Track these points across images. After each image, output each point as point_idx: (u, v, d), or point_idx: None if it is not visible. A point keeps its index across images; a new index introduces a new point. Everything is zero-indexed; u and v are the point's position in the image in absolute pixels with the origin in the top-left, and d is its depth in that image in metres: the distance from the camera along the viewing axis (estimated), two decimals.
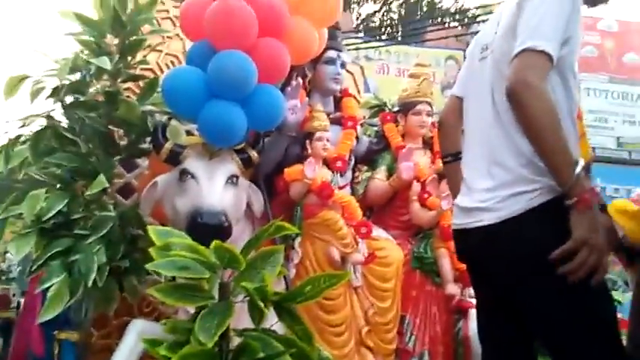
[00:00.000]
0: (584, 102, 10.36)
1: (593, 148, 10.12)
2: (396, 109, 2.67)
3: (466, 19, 11.15)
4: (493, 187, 1.25)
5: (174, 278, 1.64)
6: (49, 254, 1.73)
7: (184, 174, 1.83)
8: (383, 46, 10.75)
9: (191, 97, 1.79)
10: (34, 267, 1.73)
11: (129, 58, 2.15)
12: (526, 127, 1.16)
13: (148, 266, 1.14)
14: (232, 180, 1.86)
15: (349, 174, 2.37)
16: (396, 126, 2.58)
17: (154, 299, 2.20)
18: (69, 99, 2.09)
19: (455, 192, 1.47)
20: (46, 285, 1.68)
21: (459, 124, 1.51)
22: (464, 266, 2.12)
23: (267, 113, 1.89)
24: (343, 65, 2.34)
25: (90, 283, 1.71)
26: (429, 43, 10.35)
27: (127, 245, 1.97)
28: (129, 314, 2.13)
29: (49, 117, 2.03)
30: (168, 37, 2.58)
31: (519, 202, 1.19)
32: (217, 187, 1.78)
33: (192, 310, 1.39)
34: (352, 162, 2.39)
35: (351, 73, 3.12)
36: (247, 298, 1.19)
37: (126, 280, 1.93)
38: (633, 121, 10.69)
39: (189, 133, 2.10)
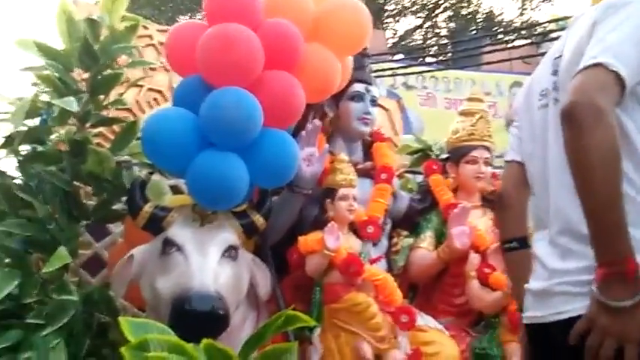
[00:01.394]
0: None
1: None
2: (444, 155, 2.69)
3: (535, 36, 11.33)
4: (577, 269, 1.26)
5: None
6: None
7: (168, 245, 1.86)
8: (428, 71, 10.95)
9: (178, 147, 1.85)
10: None
11: (101, 96, 2.24)
12: (576, 159, 1.18)
13: None
14: (230, 253, 1.88)
15: (384, 242, 2.37)
16: (446, 178, 2.59)
17: None
18: (25, 149, 2.18)
19: (518, 289, 1.48)
20: None
21: (524, 198, 1.53)
22: None
23: (276, 165, 1.93)
24: (374, 101, 2.39)
25: None
26: (487, 66, 10.51)
27: (94, 338, 1.99)
28: None
29: None
30: (151, 68, 2.69)
31: None
32: (210, 263, 1.80)
33: None
34: (388, 226, 2.39)
35: (386, 110, 3.19)
36: None
37: None
38: None
39: (175, 190, 2.16)
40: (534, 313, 1.37)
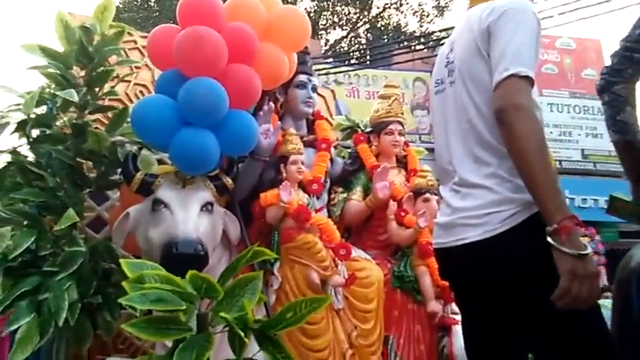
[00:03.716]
0: (549, 117, 10.70)
1: (560, 162, 10.44)
2: (368, 129, 2.68)
3: (431, 42, 11.44)
4: (474, 207, 1.26)
5: (150, 312, 1.59)
6: (17, 294, 1.66)
7: (157, 204, 1.78)
8: (352, 70, 10.91)
9: (162, 126, 1.76)
10: (1, 308, 1.64)
11: (96, 89, 2.12)
12: (515, 148, 1.17)
13: (121, 300, 1.09)
14: (207, 207, 1.82)
15: (325, 196, 2.35)
16: (370, 146, 2.58)
17: (130, 335, 2.12)
18: (35, 133, 2.04)
19: None
20: (14, 326, 1.61)
21: None
22: (445, 283, 2.13)
23: (240, 138, 1.87)
24: (314, 89, 2.34)
25: (61, 322, 1.64)
26: (396, 66, 10.56)
27: (100, 280, 1.91)
28: (103, 352, 2.05)
29: (14, 152, 1.98)
30: (136, 67, 2.56)
31: (502, 219, 1.20)
32: (192, 216, 1.74)
33: (169, 343, 1.34)
34: (328, 184, 2.37)
35: (323, 97, 3.14)
36: (227, 328, 1.14)
37: (99, 317, 1.86)
38: (596, 133, 11.06)
39: (161, 162, 2.07)
40: (440, 240, 1.37)
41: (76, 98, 1.94)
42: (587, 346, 1.13)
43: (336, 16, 15.23)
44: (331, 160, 2.39)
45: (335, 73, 10.29)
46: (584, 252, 1.07)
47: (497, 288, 1.21)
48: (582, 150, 11.03)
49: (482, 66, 1.27)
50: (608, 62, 1.51)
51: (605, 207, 1.59)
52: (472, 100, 1.30)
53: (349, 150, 2.80)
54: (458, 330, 2.12)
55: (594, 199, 10.02)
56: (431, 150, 3.59)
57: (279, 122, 2.17)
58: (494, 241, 1.19)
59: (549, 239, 1.09)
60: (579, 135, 11.08)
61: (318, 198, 2.22)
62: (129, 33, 2.57)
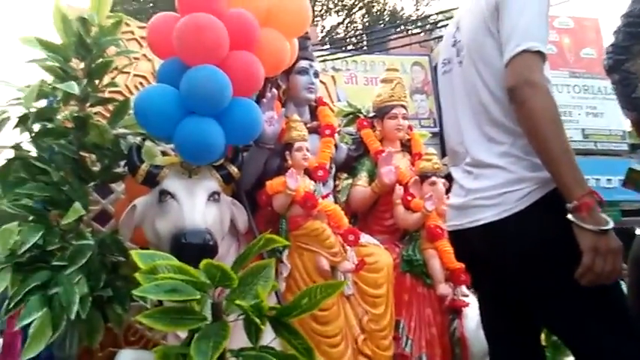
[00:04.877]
0: None
1: None
2: (371, 114, 2.66)
3: (428, 25, 11.35)
4: (489, 187, 1.24)
5: (160, 303, 1.58)
6: (27, 289, 1.66)
7: (164, 194, 1.77)
8: (349, 56, 10.83)
9: (165, 116, 1.75)
10: (12, 304, 1.64)
11: (96, 81, 2.10)
12: (530, 126, 1.15)
13: (135, 292, 1.08)
14: (214, 197, 1.81)
15: (331, 183, 2.33)
16: (373, 131, 2.56)
17: (140, 327, 2.13)
18: (37, 127, 2.02)
19: None
20: (26, 321, 1.60)
21: None
22: (454, 265, 2.13)
23: (245, 127, 1.85)
24: (316, 74, 2.32)
25: (73, 316, 1.64)
26: (393, 50, 10.48)
27: (109, 273, 1.91)
28: (114, 345, 2.05)
29: (16, 147, 1.96)
30: (135, 58, 2.54)
31: (518, 197, 1.18)
32: (199, 206, 1.73)
33: (182, 334, 1.34)
34: (333, 170, 2.36)
35: (324, 83, 3.11)
36: (242, 316, 1.14)
37: (109, 310, 1.86)
38: (596, 112, 11.02)
39: (164, 154, 2.06)
40: (454, 222, 1.36)
41: (76, 90, 1.93)
42: (610, 323, 1.12)
43: (331, 1, 15.12)
44: (335, 146, 2.37)
45: (332, 59, 10.22)
46: (606, 227, 1.06)
47: (516, 267, 1.20)
48: (583, 130, 10.99)
49: (491, 44, 1.25)
50: (608, 40, 1.48)
51: (622, 180, 1.57)
52: (482, 80, 1.28)
53: (352, 136, 2.79)
54: (468, 312, 2.12)
55: (596, 179, 9.99)
56: (433, 135, 3.56)
57: (283, 109, 2.15)
58: (511, 220, 1.18)
59: (570, 216, 1.07)
60: (579, 115, 11.03)
61: (324, 184, 2.20)
62: (126, 23, 2.55)
